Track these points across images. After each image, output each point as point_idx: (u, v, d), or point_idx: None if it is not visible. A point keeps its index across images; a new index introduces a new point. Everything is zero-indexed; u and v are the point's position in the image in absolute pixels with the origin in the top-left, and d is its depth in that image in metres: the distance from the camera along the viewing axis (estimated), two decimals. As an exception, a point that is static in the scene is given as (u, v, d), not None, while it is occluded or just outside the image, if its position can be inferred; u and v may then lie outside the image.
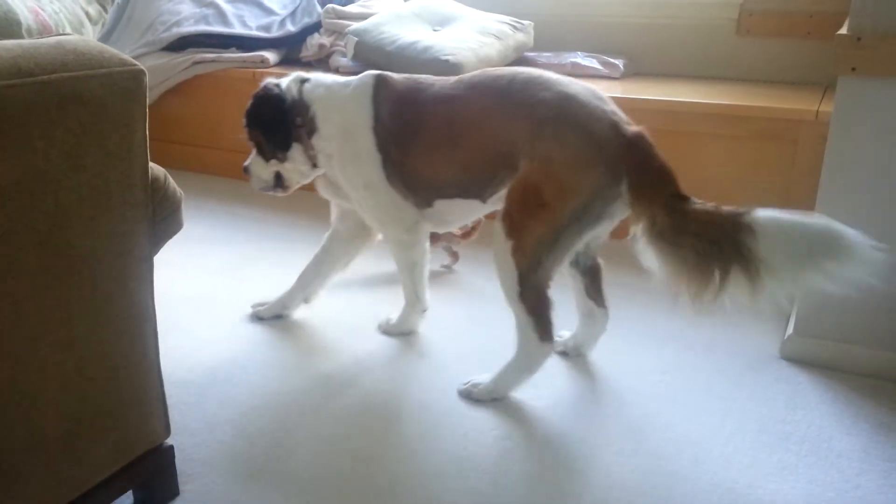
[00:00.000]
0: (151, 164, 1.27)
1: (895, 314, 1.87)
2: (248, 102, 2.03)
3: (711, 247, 1.44)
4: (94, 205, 1.15)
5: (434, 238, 2.47)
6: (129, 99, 1.16)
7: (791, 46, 3.10)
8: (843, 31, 1.79)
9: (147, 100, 1.18)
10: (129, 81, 1.15)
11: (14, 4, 1.23)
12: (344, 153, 1.95)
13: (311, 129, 1.97)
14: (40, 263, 1.10)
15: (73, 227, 1.14)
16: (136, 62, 1.17)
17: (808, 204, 1.94)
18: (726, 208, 1.48)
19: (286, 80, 2.02)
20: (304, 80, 2.01)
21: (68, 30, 1.32)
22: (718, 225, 1.45)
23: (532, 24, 3.42)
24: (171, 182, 1.31)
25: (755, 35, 3.16)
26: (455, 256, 2.58)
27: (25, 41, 1.11)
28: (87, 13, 1.37)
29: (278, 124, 1.97)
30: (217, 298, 2.36)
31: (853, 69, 1.76)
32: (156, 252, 1.33)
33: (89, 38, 1.38)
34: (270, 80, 2.04)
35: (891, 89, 1.74)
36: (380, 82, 1.93)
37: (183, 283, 2.47)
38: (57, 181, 1.09)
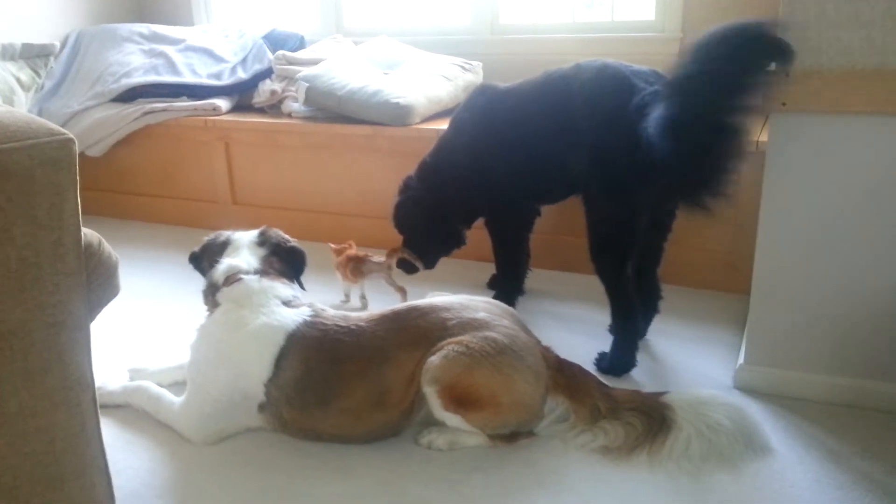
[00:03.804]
0: (85, 231, 1.25)
1: (844, 339, 1.92)
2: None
3: (647, 417, 1.76)
4: (23, 277, 1.13)
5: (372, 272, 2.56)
6: (58, 168, 1.15)
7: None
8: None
9: (77, 167, 1.17)
10: (57, 151, 1.14)
11: (-62, 77, 1.22)
12: None
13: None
14: (-33, 340, 1.07)
15: (2, 301, 1.11)
16: (65, 131, 1.16)
17: (754, 233, 1.98)
18: (646, 392, 1.85)
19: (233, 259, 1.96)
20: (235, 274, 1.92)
21: (-3, 98, 1.30)
22: (646, 402, 1.79)
23: (481, 64, 3.48)
24: (106, 247, 1.29)
25: (696, 68, 3.24)
26: (402, 292, 2.59)
27: (-52, 115, 1.10)
28: (18, 79, 1.36)
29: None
30: (164, 354, 2.32)
31: (783, 104, 1.82)
32: (93, 319, 1.30)
33: (21, 104, 1.37)
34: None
35: (819, 123, 1.80)
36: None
37: (129, 339, 2.43)
38: (-17, 255, 1.07)
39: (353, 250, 2.62)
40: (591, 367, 2.12)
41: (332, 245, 2.67)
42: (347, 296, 2.68)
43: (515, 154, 2.25)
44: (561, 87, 2.15)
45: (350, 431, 1.79)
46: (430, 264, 2.59)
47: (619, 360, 2.14)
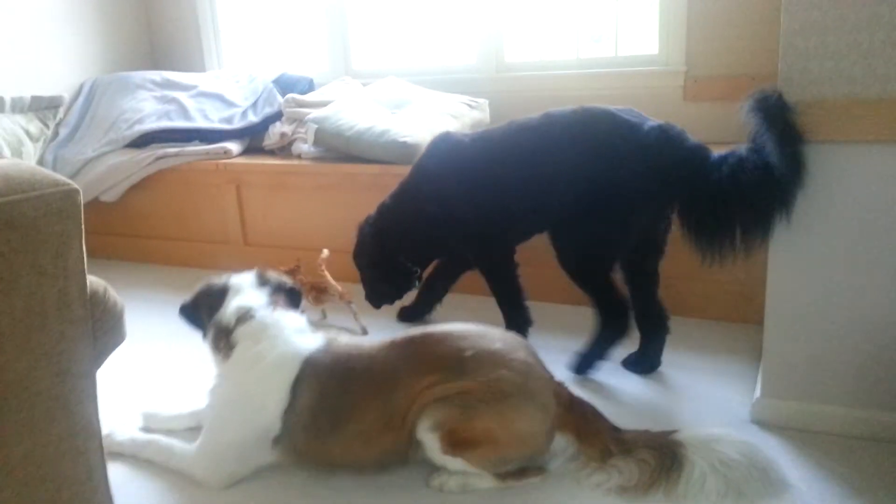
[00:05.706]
0: (90, 278, 1.26)
1: (863, 370, 1.88)
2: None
3: (658, 453, 1.72)
4: (28, 326, 1.14)
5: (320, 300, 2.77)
6: (63, 218, 1.17)
7: (736, 108, 3.18)
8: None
9: (82, 217, 1.19)
10: (62, 201, 1.16)
11: (-52, 131, 1.24)
12: None
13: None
14: (-28, 391, 1.08)
15: (7, 351, 1.12)
16: (70, 182, 1.18)
17: (765, 263, 1.96)
18: (655, 431, 1.80)
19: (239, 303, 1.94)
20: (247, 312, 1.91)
21: (6, 151, 1.33)
22: (657, 440, 1.76)
23: (487, 101, 3.51)
24: (112, 293, 1.31)
25: (701, 99, 3.26)
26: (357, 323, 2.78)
27: (-44, 169, 1.12)
28: (27, 131, 1.39)
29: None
30: (177, 397, 2.31)
31: (788, 134, 1.81)
32: (99, 366, 1.31)
33: (30, 155, 1.39)
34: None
35: (824, 152, 1.79)
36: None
37: (142, 382, 2.43)
38: (-12, 306, 1.08)
39: (308, 278, 2.81)
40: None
41: (282, 268, 2.66)
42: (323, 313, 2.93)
43: (488, 199, 2.31)
44: (539, 131, 2.22)
45: (361, 456, 1.77)
46: (377, 304, 2.70)
47: (591, 359, 2.25)
